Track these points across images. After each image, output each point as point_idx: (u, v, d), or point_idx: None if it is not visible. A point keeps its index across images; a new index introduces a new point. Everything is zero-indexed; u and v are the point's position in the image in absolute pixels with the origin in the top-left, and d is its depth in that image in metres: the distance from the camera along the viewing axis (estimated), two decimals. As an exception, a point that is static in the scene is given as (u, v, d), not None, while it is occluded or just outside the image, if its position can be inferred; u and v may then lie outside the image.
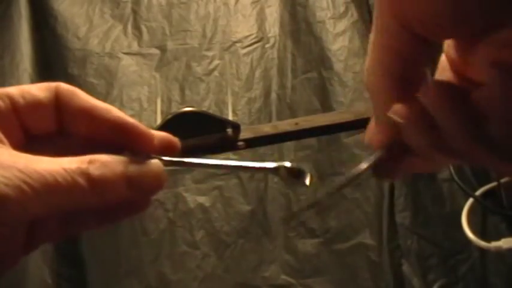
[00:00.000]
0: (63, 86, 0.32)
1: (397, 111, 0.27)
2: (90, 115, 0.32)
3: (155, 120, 1.27)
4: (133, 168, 0.30)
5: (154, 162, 0.32)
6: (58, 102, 0.32)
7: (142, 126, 0.33)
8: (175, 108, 1.27)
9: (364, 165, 0.30)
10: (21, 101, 0.31)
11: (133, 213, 0.34)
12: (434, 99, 0.25)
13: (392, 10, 0.23)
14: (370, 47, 0.26)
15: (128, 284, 1.19)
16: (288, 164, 0.34)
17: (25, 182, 0.27)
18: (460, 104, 0.25)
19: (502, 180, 1.03)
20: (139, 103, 1.31)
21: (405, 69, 0.26)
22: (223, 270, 1.20)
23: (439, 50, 0.27)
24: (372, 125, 0.30)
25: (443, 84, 0.27)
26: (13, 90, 0.31)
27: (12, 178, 0.26)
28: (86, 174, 0.28)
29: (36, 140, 0.32)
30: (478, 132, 0.24)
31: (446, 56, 0.28)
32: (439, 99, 0.25)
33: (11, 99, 0.31)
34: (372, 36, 0.26)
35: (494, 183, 1.04)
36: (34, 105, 0.31)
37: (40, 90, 0.32)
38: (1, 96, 0.30)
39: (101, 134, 0.32)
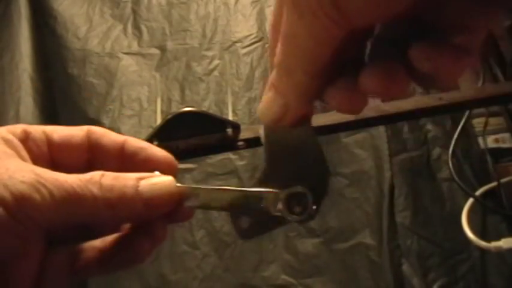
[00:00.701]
0: (95, 127, 0.34)
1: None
2: (121, 150, 0.34)
3: (155, 120, 1.27)
4: (144, 182, 0.31)
5: (166, 177, 0.33)
6: (90, 141, 0.34)
7: (170, 158, 0.35)
8: (175, 108, 1.27)
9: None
10: (55, 136, 0.33)
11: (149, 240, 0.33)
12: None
13: (330, 12, 0.23)
14: (285, 36, 0.26)
15: (128, 284, 1.19)
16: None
17: (40, 183, 0.28)
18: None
19: (502, 180, 1.03)
20: (139, 103, 1.31)
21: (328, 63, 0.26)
22: (223, 270, 1.20)
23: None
24: (270, 97, 0.30)
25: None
26: (47, 127, 0.33)
27: (29, 177, 0.28)
28: (98, 183, 0.30)
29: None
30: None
31: None
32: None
33: (46, 133, 0.33)
34: (286, 25, 0.25)
35: (494, 183, 1.04)
36: (67, 141, 0.33)
37: (73, 129, 0.34)
38: (36, 129, 0.32)
39: (129, 169, 0.33)
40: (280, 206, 0.33)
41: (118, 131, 1.27)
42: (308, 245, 1.19)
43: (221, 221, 1.22)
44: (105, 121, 1.28)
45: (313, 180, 0.33)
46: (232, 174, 1.25)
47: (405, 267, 1.14)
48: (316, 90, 0.28)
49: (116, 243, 0.32)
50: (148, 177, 0.32)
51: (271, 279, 1.18)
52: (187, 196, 0.33)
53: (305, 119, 0.30)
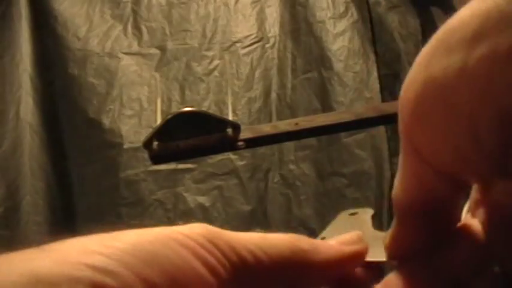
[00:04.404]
0: None
1: None
2: None
3: (155, 120, 1.27)
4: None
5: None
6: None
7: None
8: (175, 108, 1.27)
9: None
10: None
11: None
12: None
13: (411, 146, 0.22)
14: (399, 167, 0.25)
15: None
16: None
17: None
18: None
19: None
20: (140, 103, 1.31)
21: (431, 202, 0.23)
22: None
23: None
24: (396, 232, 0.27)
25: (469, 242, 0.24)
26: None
27: None
28: None
29: None
30: None
31: None
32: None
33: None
34: (400, 157, 0.24)
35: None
36: None
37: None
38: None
39: None
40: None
41: (118, 131, 1.28)
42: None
43: (221, 221, 1.22)
44: (105, 121, 1.28)
45: None
46: (232, 174, 1.25)
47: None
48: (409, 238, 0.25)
49: None
50: None
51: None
52: None
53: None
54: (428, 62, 0.20)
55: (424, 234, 0.24)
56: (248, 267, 0.24)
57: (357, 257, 0.28)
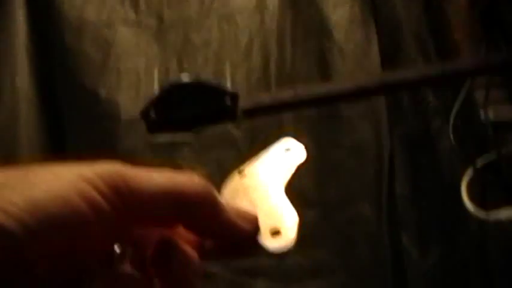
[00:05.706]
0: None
1: None
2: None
3: (153, 91, 1.26)
4: None
5: None
6: None
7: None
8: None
9: None
10: None
11: None
12: None
13: None
14: None
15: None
16: None
17: None
18: None
19: (502, 151, 1.02)
20: (137, 74, 1.30)
21: None
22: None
23: None
24: None
25: None
26: None
27: None
28: None
29: None
30: None
31: None
32: None
33: None
34: None
35: (494, 155, 1.03)
36: None
37: None
38: None
39: None
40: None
41: (115, 103, 1.26)
42: (307, 216, 1.19)
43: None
44: (102, 92, 1.27)
45: None
46: (231, 145, 1.24)
47: (404, 238, 1.14)
48: None
49: None
50: None
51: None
52: None
53: None
54: None
55: None
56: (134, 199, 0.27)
57: (242, 235, 0.31)
